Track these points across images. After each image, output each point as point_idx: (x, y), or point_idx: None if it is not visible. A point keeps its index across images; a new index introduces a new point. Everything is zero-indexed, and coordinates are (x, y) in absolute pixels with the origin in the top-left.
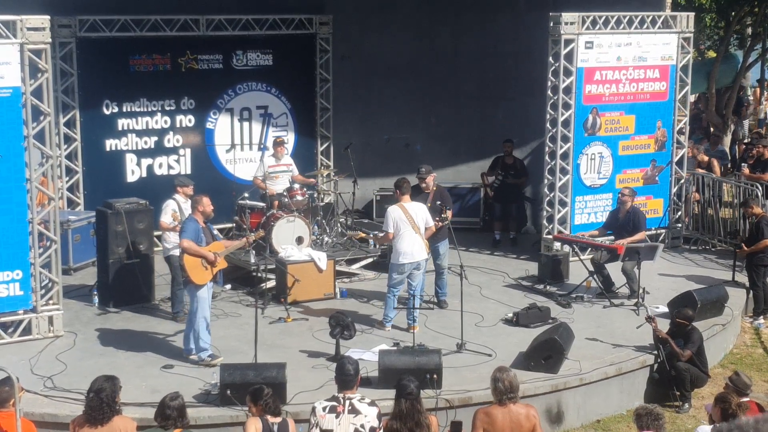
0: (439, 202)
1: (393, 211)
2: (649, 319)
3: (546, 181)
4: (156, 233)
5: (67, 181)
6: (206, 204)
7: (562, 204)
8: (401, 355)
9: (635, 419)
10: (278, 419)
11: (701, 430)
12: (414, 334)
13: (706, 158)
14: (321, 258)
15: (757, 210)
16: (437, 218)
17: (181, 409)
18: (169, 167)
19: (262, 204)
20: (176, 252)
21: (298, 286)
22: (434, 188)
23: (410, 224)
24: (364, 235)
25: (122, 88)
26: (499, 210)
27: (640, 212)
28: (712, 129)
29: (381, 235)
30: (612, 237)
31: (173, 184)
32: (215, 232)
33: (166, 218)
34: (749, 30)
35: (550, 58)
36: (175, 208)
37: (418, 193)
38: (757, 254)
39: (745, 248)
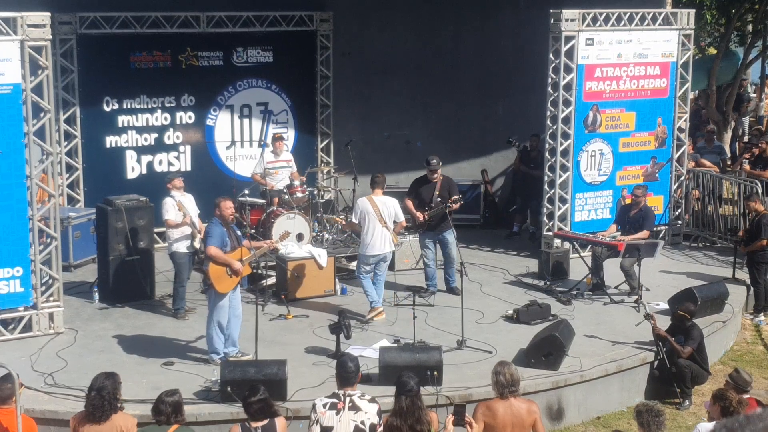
0: (436, 193)
1: (361, 203)
2: (648, 316)
3: (546, 177)
4: (157, 230)
5: (67, 178)
6: (223, 208)
7: (563, 201)
8: (402, 351)
9: (636, 416)
10: (263, 422)
11: (701, 427)
12: (414, 327)
13: (693, 163)
14: (321, 255)
15: (758, 207)
16: (449, 201)
17: (176, 405)
18: (170, 164)
19: (262, 201)
20: (180, 248)
21: (299, 282)
22: (440, 178)
23: (377, 217)
24: (338, 219)
25: (122, 84)
26: (520, 203)
27: (651, 212)
28: (710, 126)
29: (348, 221)
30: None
31: (166, 181)
32: (238, 233)
33: (170, 215)
34: (750, 27)
35: (551, 55)
36: (173, 204)
37: (425, 183)
38: (758, 251)
39: (743, 249)
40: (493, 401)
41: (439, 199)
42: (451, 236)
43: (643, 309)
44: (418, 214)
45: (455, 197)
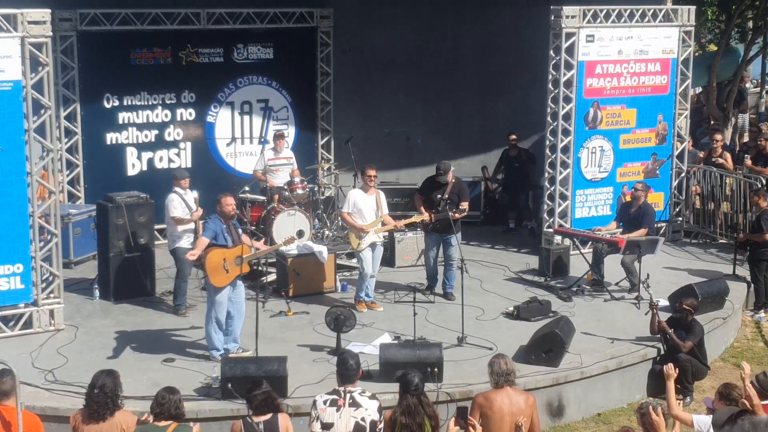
0: (440, 195)
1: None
2: (653, 305)
3: (547, 174)
4: (157, 227)
5: (67, 175)
6: (223, 204)
7: (563, 197)
8: (402, 348)
9: (642, 418)
10: (265, 417)
11: (697, 419)
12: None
13: (721, 150)
14: (322, 251)
15: (762, 203)
16: (455, 209)
17: (176, 403)
18: (170, 161)
19: (262, 197)
20: (183, 244)
21: (299, 279)
22: (453, 180)
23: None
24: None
25: (123, 81)
26: (507, 200)
27: (650, 210)
28: (712, 122)
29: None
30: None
31: (173, 176)
32: (240, 230)
33: (177, 213)
34: (750, 23)
35: (551, 52)
36: (180, 201)
37: (437, 183)
38: (759, 249)
39: (742, 238)
40: (490, 392)
41: (447, 200)
42: (455, 239)
43: (649, 297)
44: (426, 213)
45: (462, 206)
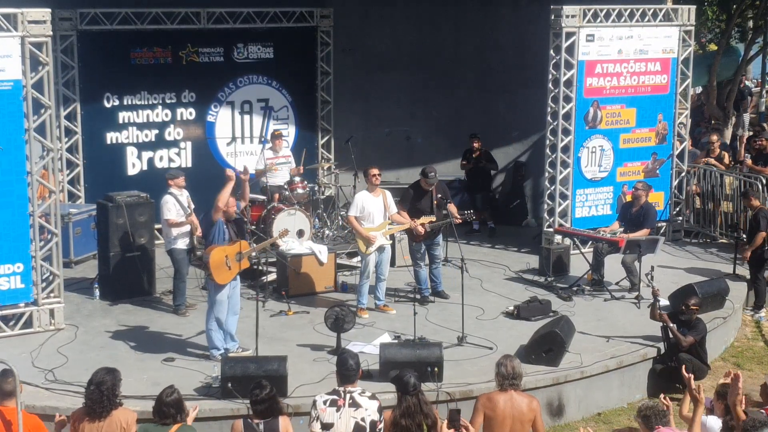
0: (440, 195)
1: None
2: (655, 295)
3: (547, 174)
4: (157, 226)
5: (67, 174)
6: (228, 204)
7: (563, 197)
8: (402, 348)
9: (643, 420)
10: (266, 419)
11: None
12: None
13: (718, 150)
14: (322, 251)
15: (755, 203)
16: (466, 211)
17: (177, 404)
18: (170, 160)
19: (262, 197)
20: (179, 245)
21: (300, 279)
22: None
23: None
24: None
25: (123, 81)
26: (468, 199)
27: (652, 210)
28: (713, 122)
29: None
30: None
31: (167, 176)
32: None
33: (172, 215)
34: (750, 23)
35: (551, 51)
36: (174, 203)
37: (421, 192)
38: (759, 248)
39: (747, 255)
40: (494, 393)
41: (446, 201)
42: (440, 239)
43: (652, 287)
44: (420, 228)
45: (467, 212)
